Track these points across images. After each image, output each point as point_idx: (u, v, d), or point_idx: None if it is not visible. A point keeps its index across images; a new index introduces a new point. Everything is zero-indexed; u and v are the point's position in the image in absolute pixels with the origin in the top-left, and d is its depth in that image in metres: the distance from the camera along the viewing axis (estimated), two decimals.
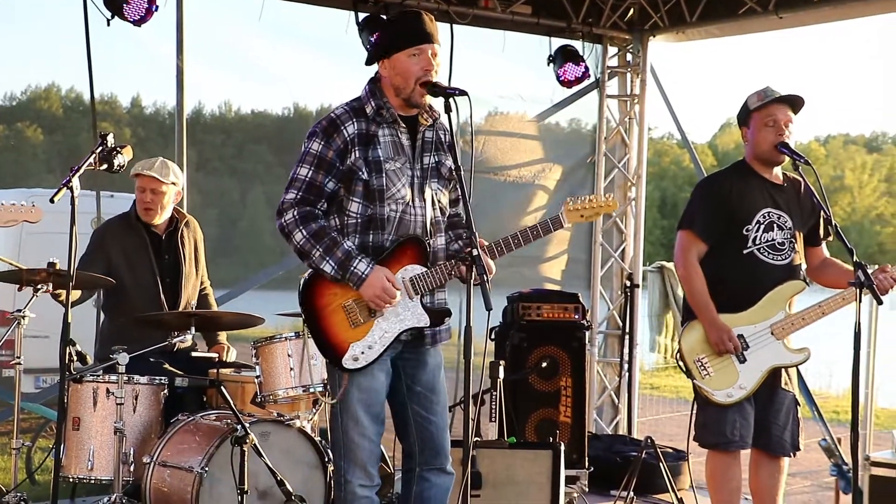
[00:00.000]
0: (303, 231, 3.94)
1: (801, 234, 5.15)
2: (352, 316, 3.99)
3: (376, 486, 4.10)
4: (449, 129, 3.96)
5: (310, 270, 4.04)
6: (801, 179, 5.10)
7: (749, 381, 4.99)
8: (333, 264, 3.92)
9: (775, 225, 5.05)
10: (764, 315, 5.01)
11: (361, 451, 4.03)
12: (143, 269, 5.65)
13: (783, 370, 5.09)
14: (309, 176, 3.98)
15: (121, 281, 5.52)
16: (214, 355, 5.44)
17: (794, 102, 5.05)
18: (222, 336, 5.86)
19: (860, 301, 4.44)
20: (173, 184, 5.69)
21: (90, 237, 5.73)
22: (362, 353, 3.98)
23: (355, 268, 3.91)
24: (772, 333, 4.99)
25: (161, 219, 5.71)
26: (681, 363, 5.10)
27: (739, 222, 5.04)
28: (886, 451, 6.40)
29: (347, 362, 3.98)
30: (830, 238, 5.21)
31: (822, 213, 5.06)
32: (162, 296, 5.65)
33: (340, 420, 4.04)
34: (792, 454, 5.17)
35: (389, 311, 3.99)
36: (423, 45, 3.97)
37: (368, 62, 4.14)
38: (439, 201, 4.14)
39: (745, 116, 5.11)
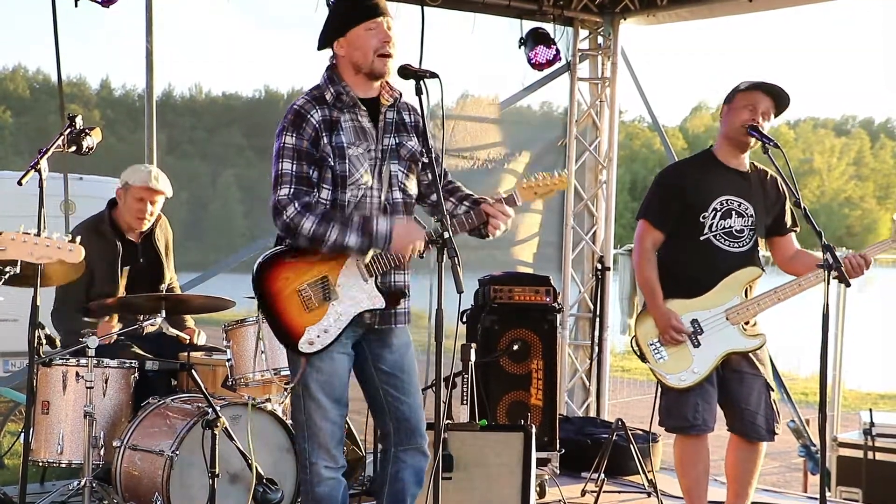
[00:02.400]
0: (310, 218, 3.90)
1: (766, 223, 5.13)
2: (306, 300, 3.99)
3: (341, 468, 4.14)
4: (417, 109, 3.95)
5: (262, 255, 4.03)
6: (768, 170, 5.11)
7: (702, 366, 4.99)
8: (356, 231, 3.89)
9: (734, 212, 5.05)
10: (719, 300, 5.02)
11: (324, 434, 4.06)
12: (107, 280, 5.56)
13: (753, 355, 5.09)
14: (294, 169, 3.95)
15: (83, 289, 5.44)
16: (187, 337, 5.41)
17: (780, 97, 5.01)
18: (190, 322, 5.83)
19: (828, 283, 4.44)
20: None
21: None
22: (318, 336, 3.98)
23: (377, 227, 3.90)
24: (727, 318, 5.00)
25: (146, 226, 5.69)
26: (635, 347, 5.13)
27: (695, 210, 5.05)
28: (853, 433, 6.48)
29: (303, 346, 3.98)
30: (798, 229, 5.21)
31: (787, 202, 5.11)
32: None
33: (303, 403, 4.07)
34: (769, 439, 5.13)
35: (344, 293, 3.99)
36: (378, 19, 3.98)
37: (322, 46, 4.10)
38: (401, 182, 4.12)
39: (731, 95, 5.10)
